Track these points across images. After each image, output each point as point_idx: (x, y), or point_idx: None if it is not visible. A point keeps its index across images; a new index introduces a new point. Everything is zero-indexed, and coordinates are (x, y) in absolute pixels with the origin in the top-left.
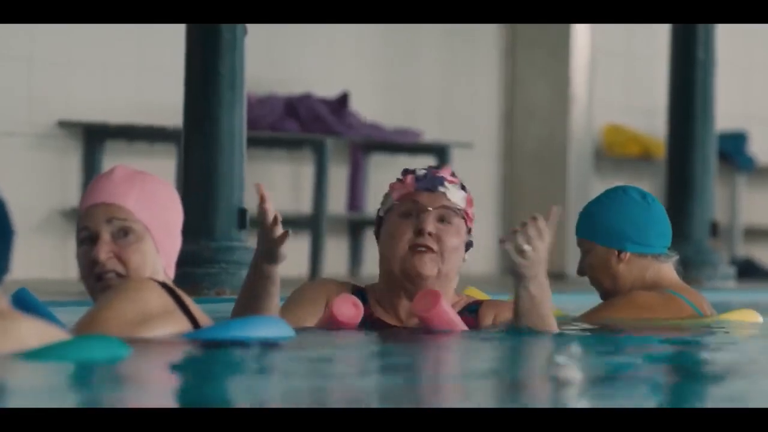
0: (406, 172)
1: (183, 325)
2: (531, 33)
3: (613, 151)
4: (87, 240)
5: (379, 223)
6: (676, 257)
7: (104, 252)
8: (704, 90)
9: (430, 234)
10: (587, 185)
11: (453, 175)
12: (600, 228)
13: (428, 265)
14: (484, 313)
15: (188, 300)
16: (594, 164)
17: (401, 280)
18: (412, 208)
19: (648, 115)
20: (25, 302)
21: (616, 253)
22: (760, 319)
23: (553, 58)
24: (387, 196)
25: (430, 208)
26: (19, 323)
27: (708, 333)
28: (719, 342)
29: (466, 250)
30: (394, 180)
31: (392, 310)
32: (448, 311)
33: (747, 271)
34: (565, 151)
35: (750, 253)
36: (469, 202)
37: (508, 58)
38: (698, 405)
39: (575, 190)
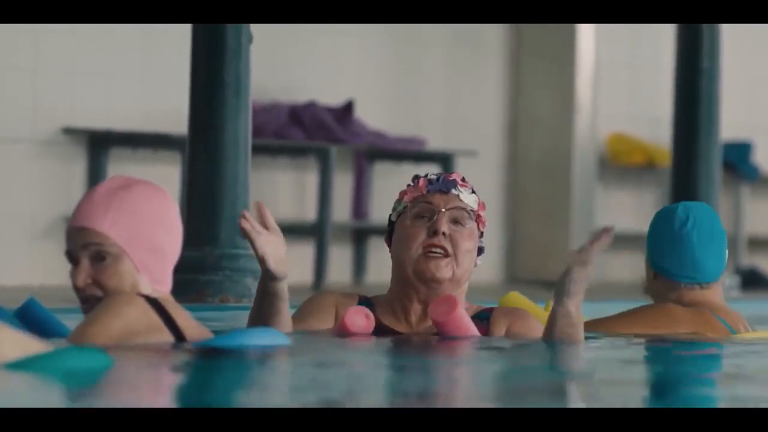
0: (417, 177)
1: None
2: (535, 42)
3: (617, 160)
4: (71, 261)
5: (390, 229)
6: (718, 283)
7: (82, 279)
8: (709, 99)
9: (444, 234)
10: (591, 194)
11: (464, 180)
12: (647, 244)
13: (443, 269)
14: (496, 321)
15: (180, 316)
16: (598, 173)
17: (415, 284)
18: (426, 210)
19: (652, 124)
20: (33, 312)
21: (652, 270)
22: None
23: (558, 67)
24: (398, 201)
25: (444, 209)
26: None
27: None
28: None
29: (478, 254)
30: (399, 187)
31: (403, 316)
32: (465, 318)
33: (751, 280)
34: (570, 160)
35: (754, 262)
36: (482, 206)
37: (513, 67)
38: (699, 406)
39: (579, 199)
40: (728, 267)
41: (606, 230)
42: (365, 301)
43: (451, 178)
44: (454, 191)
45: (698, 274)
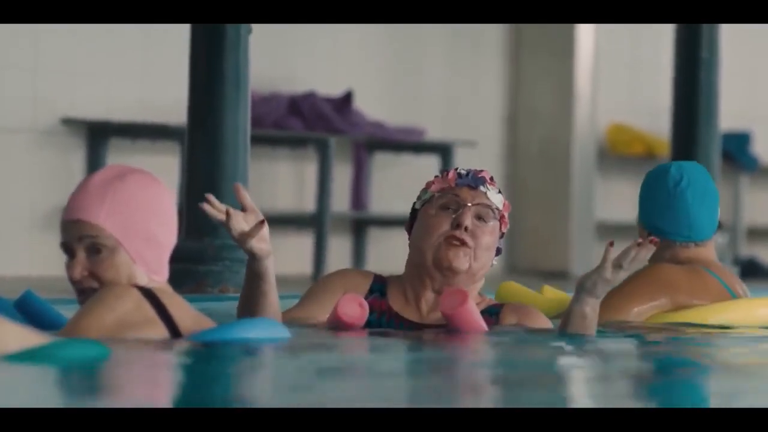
0: (445, 170)
1: (161, 334)
2: (535, 33)
3: (616, 150)
4: (66, 253)
5: (413, 216)
6: (711, 240)
7: (78, 272)
8: (708, 89)
9: (466, 229)
10: (591, 184)
11: (492, 179)
12: (639, 205)
13: (462, 259)
14: (506, 317)
15: (176, 307)
16: (598, 163)
17: (431, 272)
18: (452, 202)
19: (652, 114)
20: (31, 304)
21: (646, 231)
22: None
23: (557, 58)
24: (424, 190)
25: (470, 204)
26: None
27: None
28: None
29: (496, 255)
30: (398, 178)
31: (414, 303)
32: (474, 312)
33: (750, 270)
34: (569, 151)
35: (753, 252)
36: (506, 207)
37: (512, 57)
38: (699, 405)
39: (579, 190)
40: (727, 257)
41: (652, 241)
42: (379, 282)
43: (480, 175)
44: (482, 188)
45: (693, 233)
